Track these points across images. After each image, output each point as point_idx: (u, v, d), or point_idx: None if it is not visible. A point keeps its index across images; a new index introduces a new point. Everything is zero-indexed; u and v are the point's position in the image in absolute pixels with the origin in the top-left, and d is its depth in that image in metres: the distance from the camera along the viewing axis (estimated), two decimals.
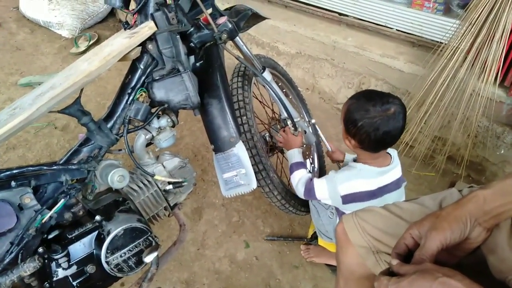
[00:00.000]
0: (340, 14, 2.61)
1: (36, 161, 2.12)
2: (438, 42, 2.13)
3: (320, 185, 1.30)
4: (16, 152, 2.16)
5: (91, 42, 3.29)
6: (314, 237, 1.67)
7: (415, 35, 2.35)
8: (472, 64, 1.90)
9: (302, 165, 1.43)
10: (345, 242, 0.95)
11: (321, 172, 1.90)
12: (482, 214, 0.66)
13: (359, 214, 0.95)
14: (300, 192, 1.38)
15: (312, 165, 1.90)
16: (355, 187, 1.23)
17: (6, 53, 3.19)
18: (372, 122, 1.11)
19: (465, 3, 2.02)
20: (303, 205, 1.63)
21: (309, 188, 1.33)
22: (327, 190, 1.27)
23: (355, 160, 1.31)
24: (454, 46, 1.92)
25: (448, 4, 2.25)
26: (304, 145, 1.60)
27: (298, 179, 1.39)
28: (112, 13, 3.76)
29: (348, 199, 1.25)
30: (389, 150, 1.28)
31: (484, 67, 1.86)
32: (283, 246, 1.70)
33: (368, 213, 0.94)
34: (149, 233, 1.11)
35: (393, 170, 1.27)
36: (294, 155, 1.45)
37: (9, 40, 3.40)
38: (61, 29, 3.44)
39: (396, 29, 2.43)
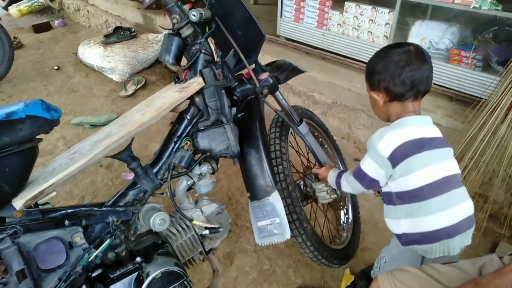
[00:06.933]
0: None
1: (81, 197, 2.25)
2: (477, 97, 2.12)
3: (364, 160, 1.14)
4: (64, 188, 2.30)
5: (138, 86, 3.54)
6: None
7: (453, 89, 2.36)
8: None
9: (341, 172, 1.32)
10: None
11: (355, 224, 1.88)
12: None
13: (394, 274, 0.94)
14: (354, 183, 1.21)
15: (346, 216, 1.89)
16: (396, 138, 1.05)
17: (62, 94, 3.49)
18: (393, 60, 1.07)
19: (504, 60, 2.03)
20: (336, 258, 1.62)
21: (357, 172, 1.18)
22: (371, 159, 1.10)
23: None
24: (494, 103, 1.91)
25: (487, 60, 2.27)
26: (338, 196, 1.60)
27: (345, 180, 1.27)
28: (158, 60, 4.05)
29: (395, 157, 1.04)
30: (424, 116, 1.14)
31: None
32: None
33: (404, 274, 0.93)
34: (185, 278, 1.14)
35: (435, 127, 1.13)
36: (332, 175, 1.36)
37: (66, 82, 3.73)
38: (112, 73, 3.73)
39: (434, 83, 2.45)
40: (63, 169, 1.04)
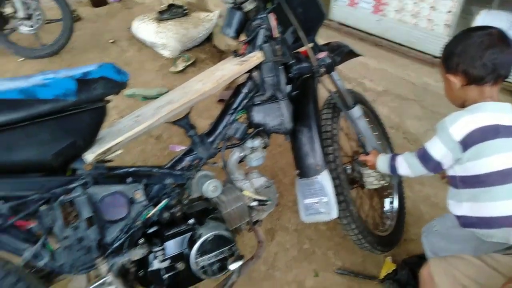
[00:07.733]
0: (435, 56, 2.57)
1: (132, 164, 2.36)
2: None
3: (431, 142, 1.12)
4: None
5: (188, 63, 3.61)
6: (387, 278, 1.62)
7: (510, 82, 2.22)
8: None
9: (395, 156, 1.29)
10: (430, 286, 0.93)
11: (400, 213, 1.84)
12: None
13: (449, 260, 0.93)
14: (416, 165, 1.17)
15: (392, 205, 1.86)
16: (471, 122, 1.03)
17: None
18: (474, 42, 1.04)
19: None
20: (379, 244, 1.61)
21: (421, 154, 1.15)
22: (441, 142, 1.07)
23: None
24: None
25: None
26: (387, 182, 1.58)
27: (404, 162, 1.23)
28: (208, 38, 4.10)
29: (467, 142, 1.02)
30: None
31: None
32: (353, 282, 1.66)
33: (459, 260, 0.91)
34: (234, 243, 1.18)
35: None
36: (384, 160, 1.34)
37: (120, 55, 3.88)
38: (164, 49, 3.83)
39: None
40: (128, 129, 1.10)
